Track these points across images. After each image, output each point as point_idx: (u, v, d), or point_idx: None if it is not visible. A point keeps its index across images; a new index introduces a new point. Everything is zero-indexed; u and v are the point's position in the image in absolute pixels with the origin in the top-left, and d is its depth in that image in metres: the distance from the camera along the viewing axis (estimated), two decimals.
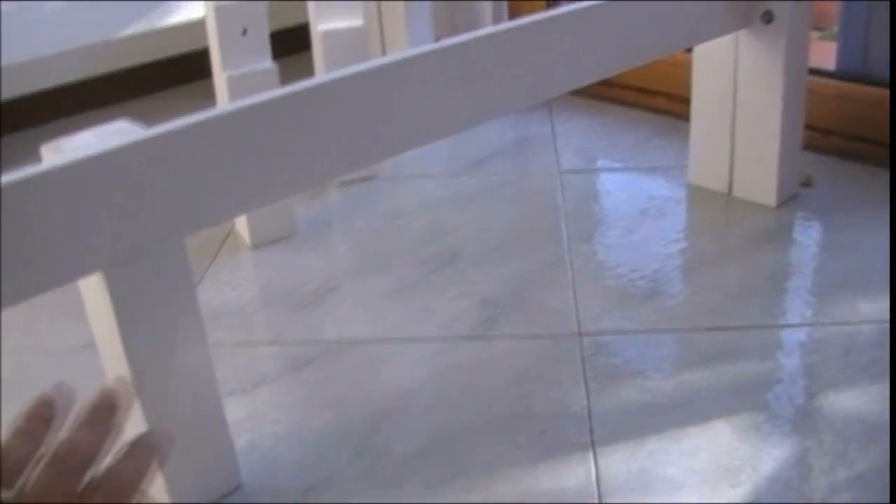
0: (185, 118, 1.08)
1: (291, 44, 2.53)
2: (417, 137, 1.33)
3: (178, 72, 2.74)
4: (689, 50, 1.91)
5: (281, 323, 1.59)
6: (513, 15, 2.64)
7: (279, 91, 1.16)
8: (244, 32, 1.71)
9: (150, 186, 1.05)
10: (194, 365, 1.15)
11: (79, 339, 1.57)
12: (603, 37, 1.50)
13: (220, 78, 1.73)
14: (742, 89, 1.81)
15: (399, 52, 1.27)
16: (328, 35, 1.93)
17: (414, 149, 1.33)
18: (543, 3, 2.58)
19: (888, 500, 1.14)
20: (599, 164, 2.12)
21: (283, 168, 1.17)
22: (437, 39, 2.49)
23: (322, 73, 1.91)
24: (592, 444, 1.27)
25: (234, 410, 1.38)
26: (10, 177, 0.95)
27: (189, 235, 1.12)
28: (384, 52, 2.48)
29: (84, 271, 1.05)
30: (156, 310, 1.10)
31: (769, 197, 1.85)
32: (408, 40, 2.46)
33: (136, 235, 1.06)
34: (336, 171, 1.26)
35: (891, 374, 1.36)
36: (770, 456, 1.22)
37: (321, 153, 1.21)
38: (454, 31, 2.72)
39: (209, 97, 1.77)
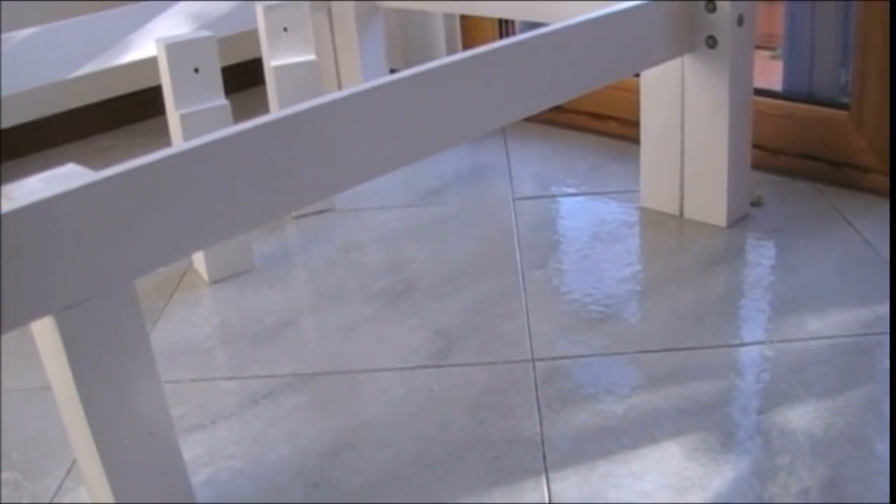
0: (135, 160, 1.09)
1: (244, 78, 2.55)
2: (373, 169, 1.35)
3: (132, 110, 2.75)
4: (638, 75, 1.94)
5: (239, 358, 1.61)
6: (466, 44, 2.67)
7: (231, 129, 1.18)
8: (196, 70, 1.73)
9: (100, 230, 1.07)
10: (149, 405, 1.16)
11: (35, 382, 1.58)
12: (554, 64, 1.52)
13: (173, 116, 1.75)
14: (689, 112, 1.84)
15: (352, 87, 1.28)
16: (280, 70, 1.95)
17: (370, 180, 1.35)
18: (496, 32, 2.61)
19: (888, 501, 1.16)
20: (553, 189, 2.15)
21: (237, 205, 1.19)
22: (391, 71, 2.51)
23: (276, 108, 1.93)
24: (545, 468, 1.28)
25: (193, 447, 1.39)
26: None
27: (141, 276, 1.13)
28: (340, 85, 2.50)
29: (35, 315, 1.06)
30: (108, 352, 1.11)
31: (720, 218, 1.88)
32: (362, 72, 2.49)
33: (86, 279, 1.07)
34: (291, 205, 1.27)
35: (891, 373, 1.38)
36: (721, 474, 1.24)
37: (276, 189, 1.22)
38: (408, 61, 2.75)
39: (164, 134, 1.78)
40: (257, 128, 1.19)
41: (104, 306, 1.10)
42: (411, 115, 1.35)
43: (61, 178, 1.11)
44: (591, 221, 1.97)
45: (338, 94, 1.27)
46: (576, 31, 1.54)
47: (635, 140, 2.13)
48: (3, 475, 1.38)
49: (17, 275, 1.01)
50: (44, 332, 1.11)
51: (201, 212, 1.16)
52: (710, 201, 1.89)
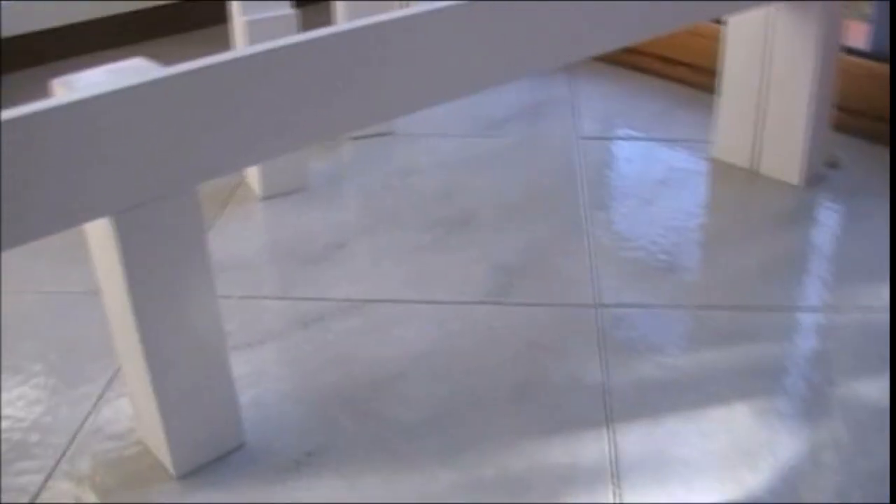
0: (205, 59, 1.03)
1: None
2: (436, 94, 1.28)
3: (194, 15, 2.69)
4: (718, 21, 1.86)
5: (289, 277, 1.55)
6: None
7: (300, 36, 1.11)
8: None
9: (165, 128, 1.01)
10: (202, 317, 1.11)
11: (80, 286, 1.53)
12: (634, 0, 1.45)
13: (238, 22, 1.68)
14: (774, 65, 1.76)
15: (423, 4, 1.21)
16: None
17: (431, 106, 1.28)
18: None
19: (888, 501, 1.11)
20: (619, 131, 2.07)
21: (301, 117, 1.13)
22: None
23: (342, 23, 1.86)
24: (608, 420, 1.23)
25: (239, 366, 1.33)
26: (15, 111, 0.91)
27: (203, 183, 1.07)
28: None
29: (92, 215, 1.00)
30: (164, 259, 1.06)
31: (794, 176, 1.81)
32: None
33: (148, 180, 1.01)
34: (354, 124, 1.21)
35: (891, 374, 1.31)
36: (788, 443, 1.18)
37: (340, 104, 1.16)
38: None
39: (225, 43, 1.72)
40: (325, 38, 1.12)
41: (165, 211, 1.04)
42: (480, 40, 1.27)
43: (128, 71, 1.05)
44: (658, 168, 1.90)
45: (406, 11, 1.20)
46: None
47: (705, 88, 2.05)
48: (43, 379, 1.34)
49: (74, 171, 0.95)
50: (99, 234, 1.05)
51: (267, 120, 1.09)
52: (786, 158, 1.81)
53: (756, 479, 1.13)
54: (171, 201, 1.04)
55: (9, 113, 0.90)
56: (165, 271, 1.06)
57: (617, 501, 1.11)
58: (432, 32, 1.21)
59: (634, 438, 1.19)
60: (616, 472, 1.14)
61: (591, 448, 1.18)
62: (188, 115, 1.02)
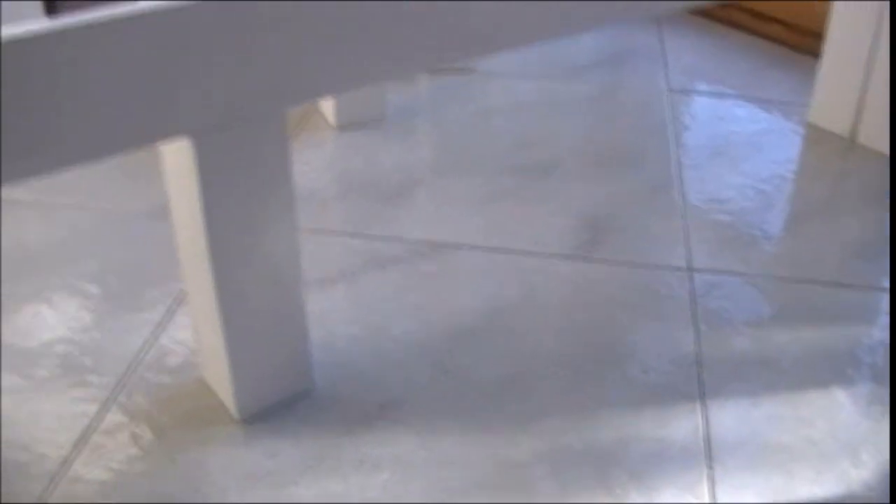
0: None
1: None
2: (514, 37, 1.18)
3: None
4: None
5: (362, 214, 1.47)
6: None
7: None
8: None
9: (249, 46, 0.92)
10: (280, 250, 1.03)
11: (143, 205, 1.46)
12: None
13: None
14: (885, 33, 1.65)
15: None
16: None
17: (513, 48, 1.19)
18: None
19: (888, 501, 1.03)
20: (710, 87, 1.97)
21: (383, 49, 1.04)
22: None
23: None
24: (702, 395, 1.14)
25: (309, 304, 1.25)
26: (91, 16, 0.82)
27: (287, 108, 0.99)
28: None
29: (171, 133, 0.92)
30: (245, 185, 0.98)
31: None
32: None
33: (232, 100, 0.93)
34: (434, 60, 1.12)
35: (891, 373, 1.22)
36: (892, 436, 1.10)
37: (422, 39, 1.07)
38: None
39: None
40: None
41: (248, 135, 0.96)
42: None
43: None
44: (752, 129, 1.79)
45: None
46: None
47: (798, 48, 1.95)
48: (100, 302, 1.27)
49: (155, 84, 0.87)
50: (176, 155, 0.98)
51: (346, 50, 1.01)
52: (887, 129, 1.70)
53: (859, 475, 1.05)
54: (255, 125, 0.96)
55: (86, 17, 0.82)
56: (244, 198, 0.99)
57: (710, 484, 1.03)
58: None
59: (729, 417, 1.11)
60: (709, 453, 1.06)
61: (683, 424, 1.10)
62: (274, 33, 0.93)
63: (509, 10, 1.11)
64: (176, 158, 0.99)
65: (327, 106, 1.73)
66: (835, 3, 1.72)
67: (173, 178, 1.01)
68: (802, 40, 1.84)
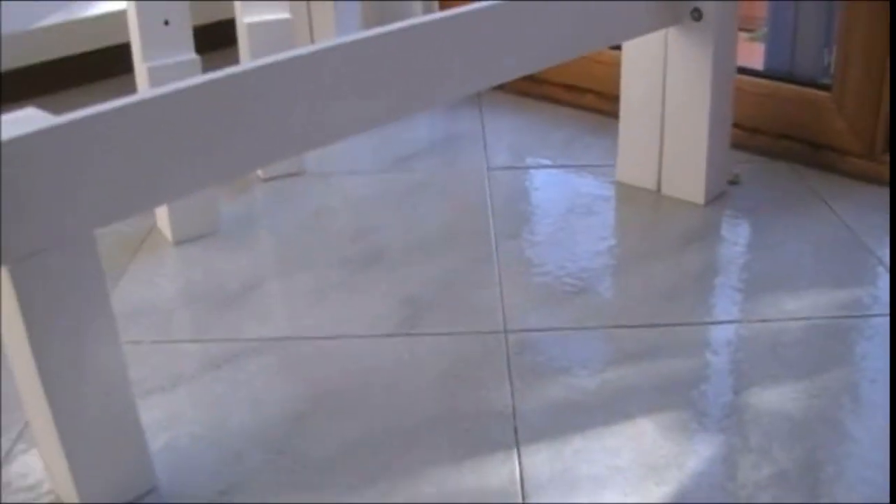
0: (98, 106, 1.04)
1: (216, 39, 2.49)
2: (343, 128, 1.30)
3: (97, 66, 2.68)
4: (618, 48, 1.90)
5: (202, 321, 1.56)
6: (442, 5, 2.62)
7: (199, 78, 1.13)
8: (166, 23, 1.67)
9: (59, 176, 1.02)
10: (106, 364, 1.11)
11: None
12: (532, 30, 1.48)
13: (140, 69, 1.69)
14: (670, 87, 1.80)
15: (325, 41, 1.24)
16: (254, 28, 1.89)
17: (340, 140, 1.30)
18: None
19: (888, 501, 1.14)
20: (528, 161, 2.11)
21: (201, 158, 1.14)
22: None
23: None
24: (517, 442, 1.25)
25: (152, 410, 1.34)
26: None
27: (102, 227, 1.08)
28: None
29: None
30: (65, 306, 1.06)
31: (697, 195, 1.85)
32: (336, 33, 2.43)
33: (43, 228, 1.02)
34: (258, 161, 1.23)
35: (891, 372, 1.35)
36: (695, 453, 1.21)
37: (243, 142, 1.17)
38: (383, 23, 2.69)
39: (131, 92, 1.73)
40: (226, 78, 1.14)
41: (62, 258, 1.05)
42: (383, 73, 1.30)
43: (20, 121, 1.06)
44: (565, 194, 1.93)
45: (309, 48, 1.22)
46: None
47: (611, 114, 2.09)
48: None
49: None
50: None
51: (164, 163, 1.11)
52: (688, 178, 1.85)
53: (662, 492, 1.16)
54: (69, 248, 1.05)
55: None
56: (67, 319, 1.07)
57: None
58: (339, 66, 1.23)
59: (541, 459, 1.21)
60: (524, 493, 1.16)
61: (499, 471, 1.20)
62: (83, 160, 1.03)
63: (329, 105, 1.23)
64: None
65: (165, 223, 1.82)
66: (623, 64, 1.87)
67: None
68: (614, 107, 1.98)
